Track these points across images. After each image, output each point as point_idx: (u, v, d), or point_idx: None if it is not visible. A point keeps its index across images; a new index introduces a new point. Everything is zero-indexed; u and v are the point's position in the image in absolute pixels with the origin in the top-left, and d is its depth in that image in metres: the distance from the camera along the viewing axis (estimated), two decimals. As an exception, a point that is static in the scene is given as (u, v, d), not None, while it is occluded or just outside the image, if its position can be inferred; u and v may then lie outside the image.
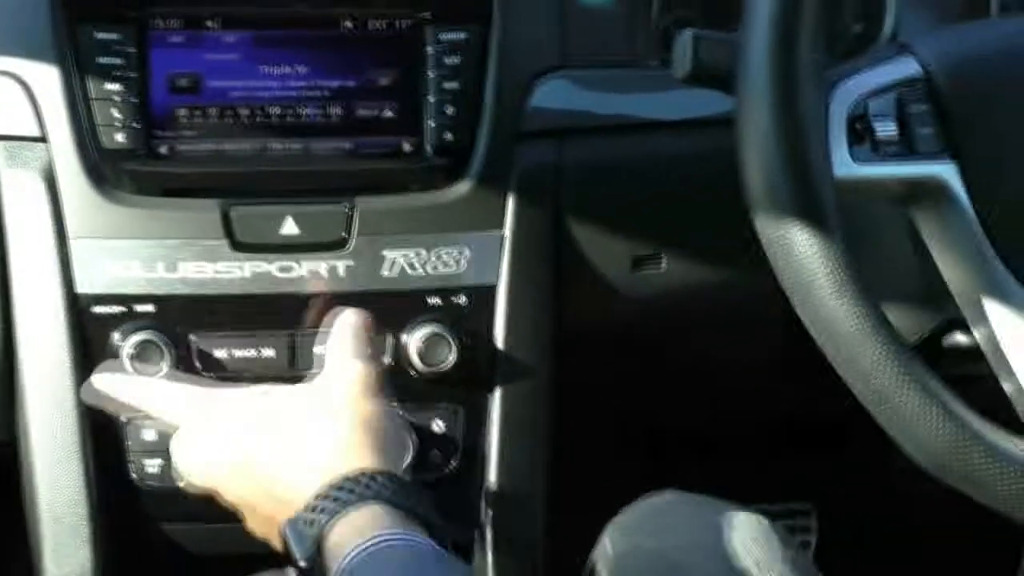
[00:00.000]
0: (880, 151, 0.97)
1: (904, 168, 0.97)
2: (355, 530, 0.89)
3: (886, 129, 0.97)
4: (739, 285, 1.25)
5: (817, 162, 0.92)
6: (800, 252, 0.92)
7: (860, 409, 0.92)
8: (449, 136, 1.14)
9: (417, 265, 1.13)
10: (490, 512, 1.18)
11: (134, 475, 1.13)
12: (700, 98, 1.18)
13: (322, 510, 0.91)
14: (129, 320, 1.11)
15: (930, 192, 0.98)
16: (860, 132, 0.97)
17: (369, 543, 0.87)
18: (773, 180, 0.92)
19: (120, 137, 1.10)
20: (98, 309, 1.11)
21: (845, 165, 0.96)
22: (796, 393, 1.50)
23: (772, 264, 0.97)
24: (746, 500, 1.06)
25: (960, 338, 1.10)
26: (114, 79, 1.10)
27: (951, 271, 1.00)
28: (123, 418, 1.12)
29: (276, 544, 0.95)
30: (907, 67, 0.98)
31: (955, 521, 1.25)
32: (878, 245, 1.11)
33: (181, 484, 1.07)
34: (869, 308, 0.91)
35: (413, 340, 1.13)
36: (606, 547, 1.09)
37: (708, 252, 1.23)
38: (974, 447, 0.91)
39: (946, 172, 0.97)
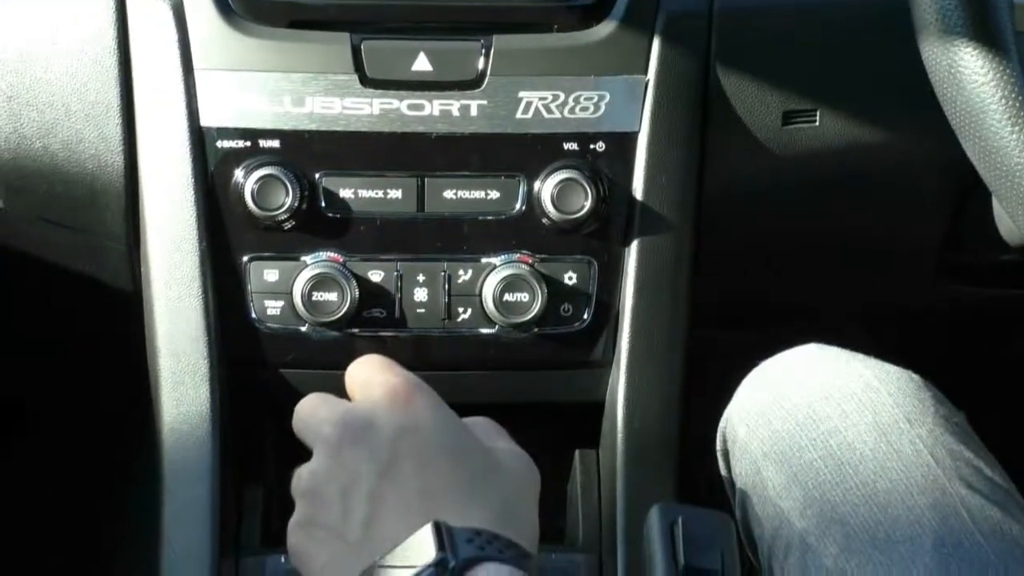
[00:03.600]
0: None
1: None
2: None
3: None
4: (901, 151, 1.16)
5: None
6: (971, 79, 0.84)
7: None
8: None
9: (554, 108, 1.07)
10: (623, 370, 1.11)
11: (254, 316, 1.10)
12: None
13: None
14: (253, 155, 1.07)
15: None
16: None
17: None
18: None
19: None
20: (222, 143, 1.07)
21: (1027, -15, 0.88)
22: (952, 298, 1.41)
23: (940, 98, 0.89)
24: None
25: None
26: None
27: None
28: (245, 258, 1.09)
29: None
30: None
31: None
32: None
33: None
34: (1048, 140, 0.82)
35: (547, 186, 1.07)
36: (742, 400, 1.03)
37: (867, 110, 1.14)
38: None
39: None
